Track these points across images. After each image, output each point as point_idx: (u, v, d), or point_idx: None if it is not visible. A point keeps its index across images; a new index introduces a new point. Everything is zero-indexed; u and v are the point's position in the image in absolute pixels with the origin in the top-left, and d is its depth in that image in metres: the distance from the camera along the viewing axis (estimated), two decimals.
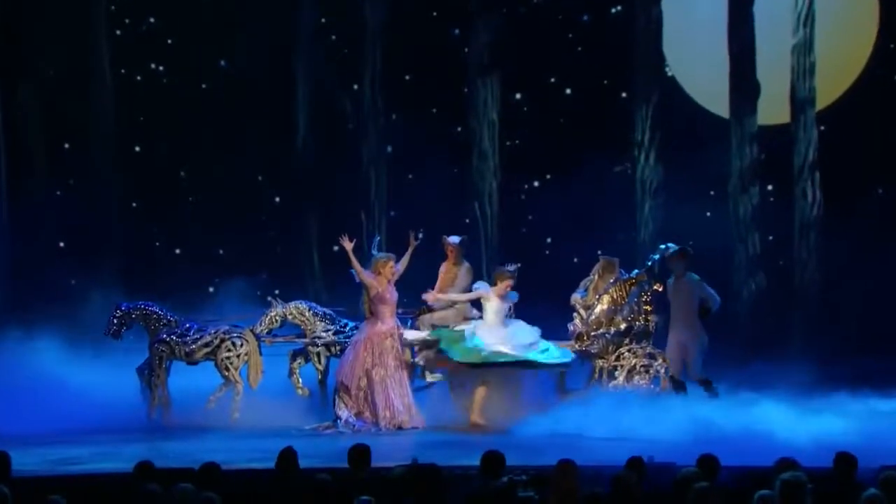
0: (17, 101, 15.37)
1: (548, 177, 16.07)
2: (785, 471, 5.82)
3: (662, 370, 11.31)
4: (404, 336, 11.20)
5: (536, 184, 16.14)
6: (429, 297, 11.48)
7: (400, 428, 10.80)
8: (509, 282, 11.19)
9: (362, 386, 10.97)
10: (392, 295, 11.10)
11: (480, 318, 11.63)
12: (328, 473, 6.23)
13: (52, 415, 11.10)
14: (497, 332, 11.01)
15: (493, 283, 11.30)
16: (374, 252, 11.33)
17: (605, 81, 16.08)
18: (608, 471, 6.84)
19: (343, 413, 10.95)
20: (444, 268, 11.84)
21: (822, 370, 13.13)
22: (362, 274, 11.11)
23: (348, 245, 11.16)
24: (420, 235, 11.33)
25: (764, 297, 15.38)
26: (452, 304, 11.62)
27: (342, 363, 11.24)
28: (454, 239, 11.75)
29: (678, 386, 11.13)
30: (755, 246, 15.46)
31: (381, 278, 11.09)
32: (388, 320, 11.04)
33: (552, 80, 16.14)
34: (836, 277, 15.14)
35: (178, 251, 15.79)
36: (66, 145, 15.67)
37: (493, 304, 11.15)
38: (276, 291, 12.50)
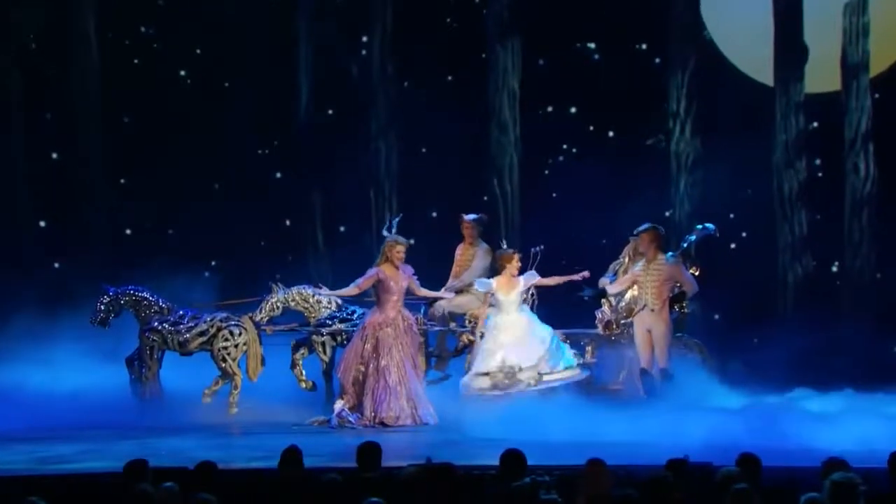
0: None
1: (574, 150, 16.03)
2: (834, 471, 5.82)
3: (699, 361, 11.31)
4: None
5: (561, 158, 16.11)
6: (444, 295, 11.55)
7: (383, 424, 10.80)
8: (516, 262, 11.05)
9: (359, 378, 11.00)
10: (398, 283, 11.06)
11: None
12: (336, 473, 6.27)
13: (35, 410, 11.17)
14: (508, 343, 10.87)
15: (498, 271, 11.12)
16: (386, 233, 11.30)
17: (638, 46, 16.03)
18: (641, 471, 6.87)
19: (337, 406, 11.00)
20: (460, 250, 11.84)
21: (873, 362, 13.10)
22: (355, 289, 11.15)
23: (325, 290, 11.50)
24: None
25: (811, 282, 15.34)
26: (469, 288, 11.63)
27: (343, 354, 11.32)
28: (469, 216, 11.76)
29: (648, 379, 10.98)
30: (802, 226, 15.41)
31: (388, 264, 11.08)
32: (388, 309, 11.04)
33: (579, 44, 16.09)
34: (890, 260, 15.09)
35: (170, 231, 15.83)
36: (48, 115, 15.70)
37: (506, 297, 11.01)
38: (278, 276, 12.54)
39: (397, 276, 11.10)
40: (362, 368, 11.02)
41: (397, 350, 10.98)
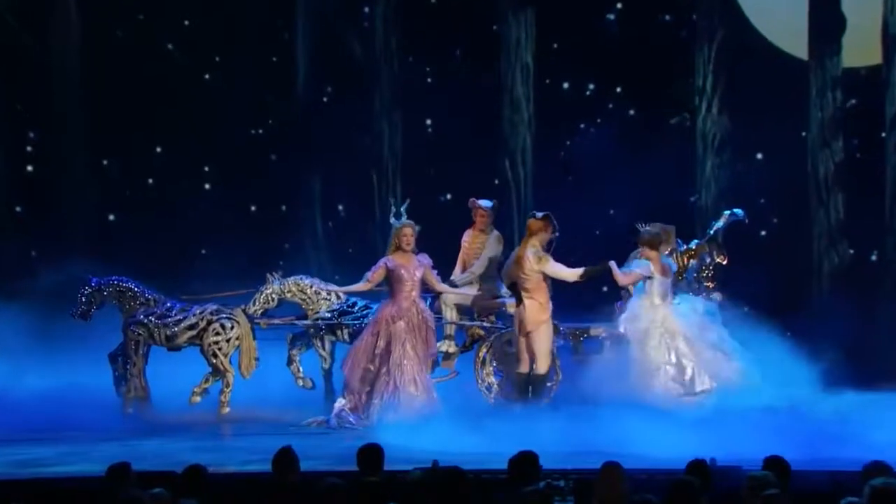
0: None
1: (591, 130, 16.01)
2: (875, 476, 5.83)
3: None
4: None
5: (578, 139, 16.09)
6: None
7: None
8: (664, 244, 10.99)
9: (367, 377, 10.95)
10: (411, 272, 10.96)
11: (511, 297, 11.62)
12: (336, 477, 6.28)
13: (13, 410, 11.20)
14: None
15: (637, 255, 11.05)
16: (394, 220, 11.21)
17: (661, 16, 15.99)
18: (661, 475, 6.88)
19: (338, 405, 10.98)
20: (468, 236, 11.81)
21: None
22: (366, 284, 11.09)
23: (333, 287, 11.50)
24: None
25: (848, 272, 15.31)
26: (476, 279, 11.62)
27: (350, 349, 11.28)
28: (485, 203, 11.73)
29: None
30: (838, 211, 15.38)
31: (399, 252, 11.01)
32: (401, 300, 10.95)
33: (597, 15, 16.06)
34: None
35: (157, 218, 15.82)
36: (24, 92, 15.69)
37: (658, 283, 10.88)
38: (282, 263, 12.54)
39: (410, 265, 10.99)
40: (371, 367, 10.95)
41: (411, 345, 10.89)
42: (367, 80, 15.99)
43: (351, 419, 10.90)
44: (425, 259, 11.10)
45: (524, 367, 10.90)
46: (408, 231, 11.04)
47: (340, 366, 11.38)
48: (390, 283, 11.08)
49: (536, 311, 10.76)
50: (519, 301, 10.81)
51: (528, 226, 10.90)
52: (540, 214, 10.92)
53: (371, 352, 10.96)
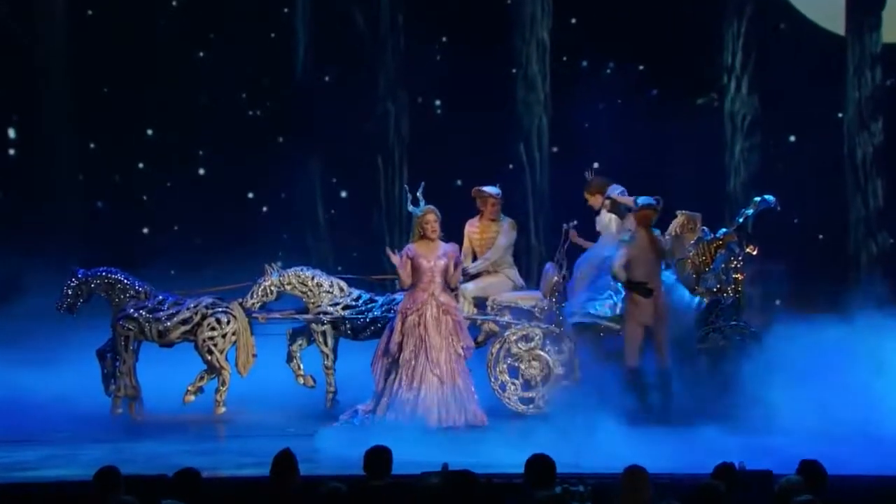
0: None
1: (612, 111, 15.98)
2: None
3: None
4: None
5: (597, 120, 16.07)
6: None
7: None
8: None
9: (383, 374, 10.90)
10: (430, 261, 10.83)
11: (526, 290, 11.64)
12: (340, 482, 6.29)
13: None
14: None
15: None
16: (412, 208, 11.13)
17: None
18: (686, 480, 6.88)
19: (354, 408, 10.97)
20: (475, 225, 11.77)
21: None
22: (403, 284, 11.04)
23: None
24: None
25: (888, 262, 15.30)
26: (494, 269, 11.63)
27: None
28: (494, 190, 11.71)
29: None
30: (877, 197, 15.37)
31: (423, 240, 10.92)
32: (417, 292, 10.86)
33: None
34: None
35: (147, 205, 15.87)
36: (6, 71, 15.73)
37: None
38: (280, 253, 12.55)
39: (431, 254, 10.86)
40: (386, 364, 10.89)
41: (427, 340, 10.76)
42: (372, 59, 15.99)
43: (354, 422, 10.88)
44: (451, 248, 10.99)
45: (633, 361, 10.86)
46: (430, 217, 10.95)
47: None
48: (413, 273, 10.94)
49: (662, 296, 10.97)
50: (647, 293, 10.78)
51: (646, 216, 10.91)
52: (655, 201, 11.00)
53: (384, 347, 10.93)
